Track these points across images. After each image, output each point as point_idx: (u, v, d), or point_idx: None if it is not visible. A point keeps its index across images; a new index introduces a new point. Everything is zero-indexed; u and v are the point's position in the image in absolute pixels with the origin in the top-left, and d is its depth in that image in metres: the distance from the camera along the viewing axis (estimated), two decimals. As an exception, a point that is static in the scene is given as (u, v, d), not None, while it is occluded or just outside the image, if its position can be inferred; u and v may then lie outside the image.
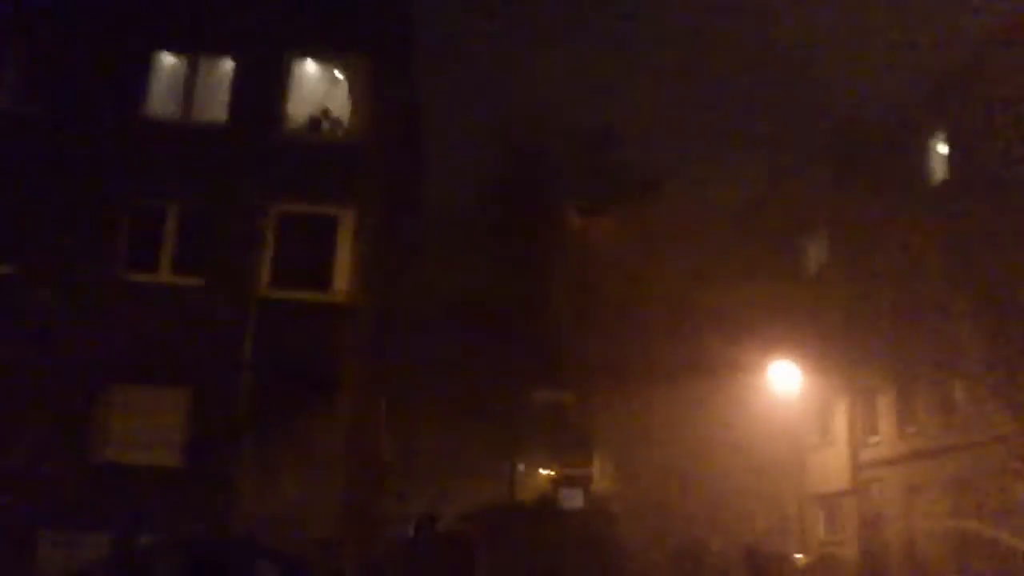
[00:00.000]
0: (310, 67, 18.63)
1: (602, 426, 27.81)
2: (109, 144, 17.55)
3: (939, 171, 27.42)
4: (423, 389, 28.41)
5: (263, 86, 18.00)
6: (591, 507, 21.24)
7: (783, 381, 27.97)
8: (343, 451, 17.65)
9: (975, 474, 24.23)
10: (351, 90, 18.44)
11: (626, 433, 31.98)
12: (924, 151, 27.87)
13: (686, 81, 66.34)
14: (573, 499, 20.71)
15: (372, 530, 21.08)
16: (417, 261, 26.22)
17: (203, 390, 16.78)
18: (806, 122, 47.38)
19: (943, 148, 27.35)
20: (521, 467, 29.21)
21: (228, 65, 18.23)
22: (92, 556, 14.88)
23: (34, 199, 17.31)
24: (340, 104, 18.41)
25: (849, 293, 30.56)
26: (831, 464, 31.34)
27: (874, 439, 29.66)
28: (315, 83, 18.57)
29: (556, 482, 22.43)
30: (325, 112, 18.22)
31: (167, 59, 18.33)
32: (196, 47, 18.19)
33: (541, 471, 30.79)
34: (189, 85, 18.13)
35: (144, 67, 18.03)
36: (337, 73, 18.64)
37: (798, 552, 24.49)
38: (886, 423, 29.12)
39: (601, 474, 30.16)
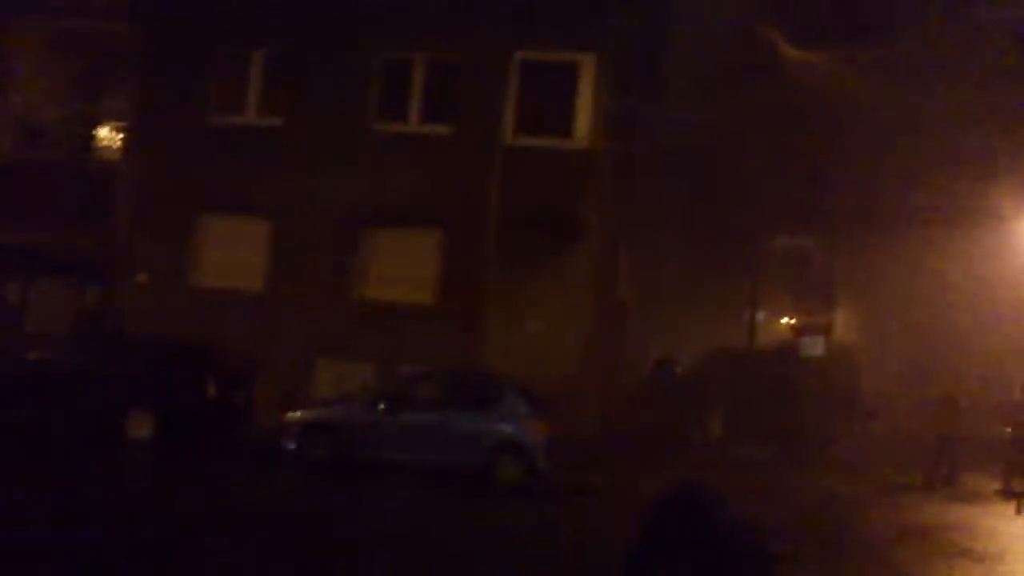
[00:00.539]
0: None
1: (846, 274, 27.01)
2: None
3: None
4: (662, 235, 28.49)
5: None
6: (832, 355, 20.95)
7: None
8: (585, 294, 18.24)
9: None
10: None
11: (872, 282, 30.92)
12: None
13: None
14: (813, 347, 20.45)
15: (613, 369, 21.82)
16: (657, 106, 25.90)
17: (453, 233, 17.71)
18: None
19: None
20: (761, 315, 28.95)
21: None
22: (357, 382, 16.46)
23: (296, 55, 18.43)
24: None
25: None
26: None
27: None
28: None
29: (796, 330, 22.15)
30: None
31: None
32: None
33: (781, 319, 30.40)
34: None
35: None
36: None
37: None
38: None
39: (844, 323, 29.50)
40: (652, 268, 27.52)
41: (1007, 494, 16.57)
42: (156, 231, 18.39)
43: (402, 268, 18.04)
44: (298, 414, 14.20)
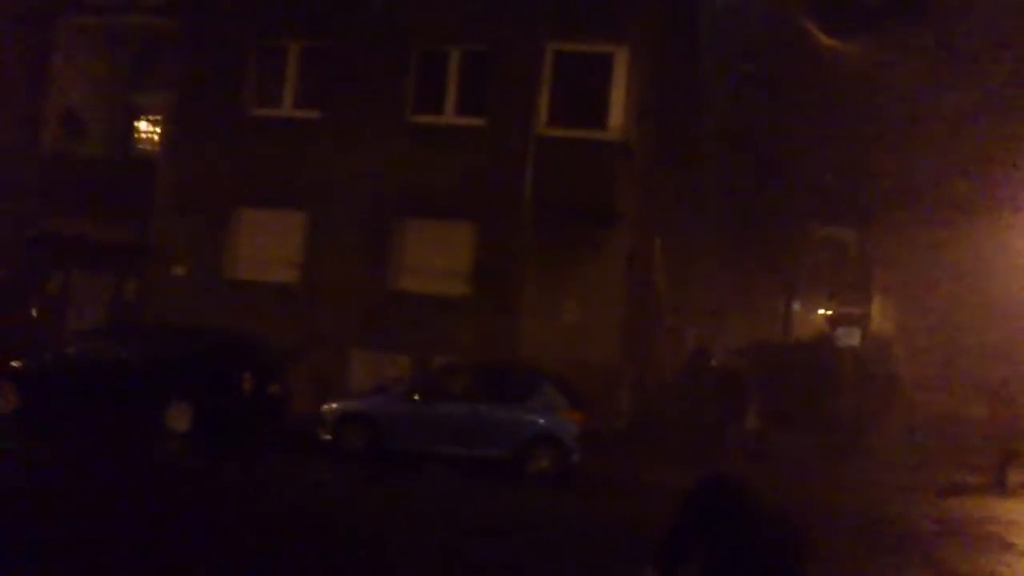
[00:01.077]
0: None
1: (885, 265, 26.72)
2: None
3: None
4: (698, 225, 28.36)
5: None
6: (868, 345, 20.77)
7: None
8: (620, 284, 18.22)
9: None
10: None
11: (911, 273, 30.56)
12: None
13: None
14: (849, 337, 20.32)
15: (647, 360, 21.78)
16: (693, 97, 25.75)
17: (487, 224, 17.74)
18: None
19: None
20: (797, 305, 28.77)
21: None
22: (392, 373, 16.55)
23: (333, 48, 18.53)
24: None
25: None
26: None
27: None
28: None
29: (833, 321, 21.98)
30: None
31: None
32: None
33: (818, 310, 30.18)
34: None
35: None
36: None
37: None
38: None
39: (882, 314, 29.22)
40: (688, 258, 27.42)
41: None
42: (193, 223, 18.59)
43: (437, 259, 18.09)
44: (334, 405, 14.31)
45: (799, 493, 10.89)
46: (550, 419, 13.69)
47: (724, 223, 29.43)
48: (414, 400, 14.01)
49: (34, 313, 19.34)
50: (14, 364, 14.91)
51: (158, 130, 20.19)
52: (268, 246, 18.65)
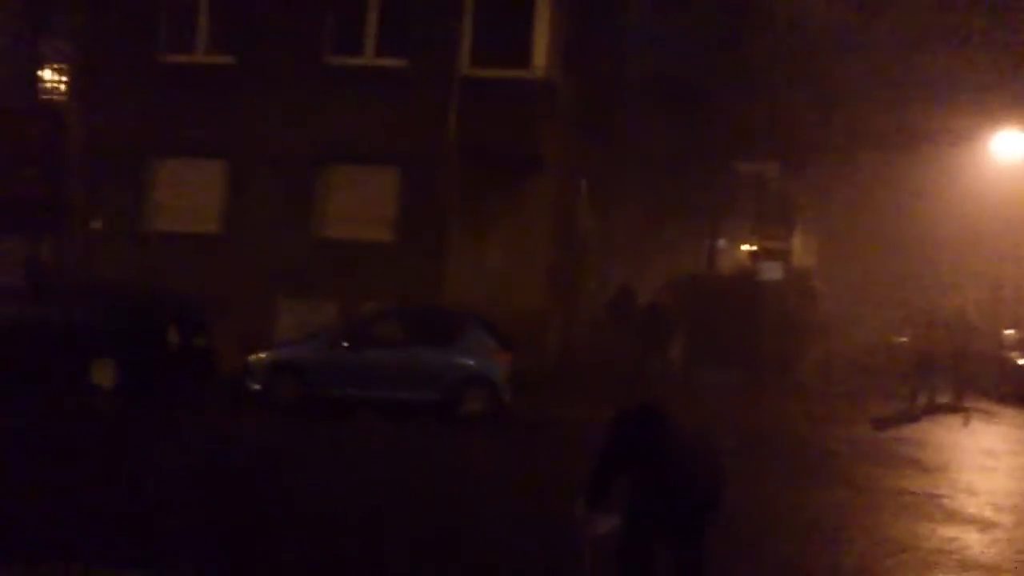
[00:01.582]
0: None
1: (807, 199, 27.16)
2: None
3: None
4: (623, 165, 28.46)
5: None
6: (790, 280, 21.18)
7: (1008, 151, 26.15)
8: (546, 228, 18.23)
9: None
10: None
11: (832, 206, 31.18)
12: None
13: None
14: (772, 272, 20.66)
15: (575, 302, 21.93)
16: (618, 39, 25.68)
17: (412, 169, 17.56)
18: None
19: None
20: (721, 242, 29.16)
21: None
22: (320, 321, 16.41)
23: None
24: None
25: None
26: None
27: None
28: None
29: (756, 256, 22.32)
30: None
31: None
32: None
33: (742, 246, 30.63)
34: None
35: None
36: None
37: (1008, 328, 23.71)
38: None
39: (804, 248, 29.78)
40: (614, 198, 27.54)
41: (955, 408, 17.27)
42: (108, 175, 18.07)
43: (362, 206, 17.89)
44: (262, 355, 14.17)
45: (720, 421, 11.20)
46: (480, 360, 13.75)
47: (650, 162, 29.57)
48: (343, 347, 13.93)
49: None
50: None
51: (64, 79, 19.46)
52: (188, 197, 18.25)
